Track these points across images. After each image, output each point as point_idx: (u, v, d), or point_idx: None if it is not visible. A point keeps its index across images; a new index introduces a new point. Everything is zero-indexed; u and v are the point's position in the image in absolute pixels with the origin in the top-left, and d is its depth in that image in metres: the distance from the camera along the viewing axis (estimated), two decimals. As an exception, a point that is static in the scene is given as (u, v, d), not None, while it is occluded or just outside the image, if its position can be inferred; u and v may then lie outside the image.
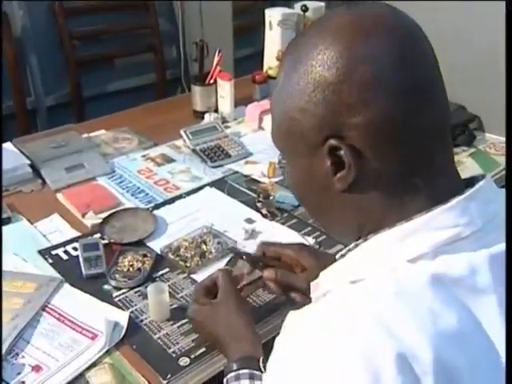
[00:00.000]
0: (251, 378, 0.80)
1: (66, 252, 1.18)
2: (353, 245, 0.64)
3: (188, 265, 1.13)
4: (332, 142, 0.57)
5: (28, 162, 1.47)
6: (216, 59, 1.79)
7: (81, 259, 1.13)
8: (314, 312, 0.58)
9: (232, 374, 0.81)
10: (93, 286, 1.08)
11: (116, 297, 1.06)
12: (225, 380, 0.83)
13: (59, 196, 1.38)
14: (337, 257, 0.68)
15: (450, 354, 0.51)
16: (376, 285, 0.56)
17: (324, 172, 0.60)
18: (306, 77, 0.58)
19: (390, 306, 0.53)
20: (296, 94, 0.59)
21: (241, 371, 0.81)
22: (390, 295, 0.54)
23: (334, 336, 0.53)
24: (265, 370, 0.80)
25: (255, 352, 0.85)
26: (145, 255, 1.16)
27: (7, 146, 1.55)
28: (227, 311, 0.91)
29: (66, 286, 1.08)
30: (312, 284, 0.73)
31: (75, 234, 1.25)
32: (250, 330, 0.89)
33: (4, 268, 1.11)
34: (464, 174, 0.64)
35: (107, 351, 0.93)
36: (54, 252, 1.18)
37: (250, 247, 1.18)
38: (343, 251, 0.66)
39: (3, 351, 0.91)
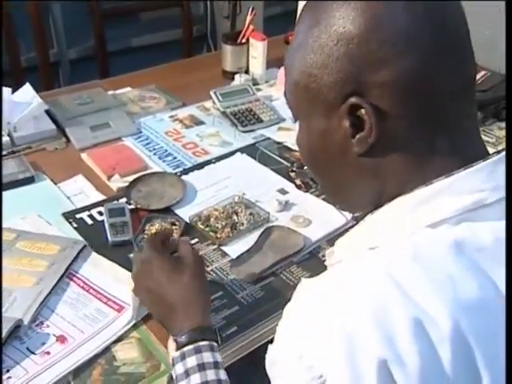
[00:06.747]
0: (212, 349, 0.75)
1: (90, 216, 1.13)
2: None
3: (218, 236, 1.07)
4: (353, 100, 0.54)
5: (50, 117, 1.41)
6: (249, 17, 1.70)
7: (106, 225, 1.08)
8: (326, 276, 0.56)
9: (191, 347, 0.74)
10: (118, 253, 1.03)
11: (143, 266, 1.01)
12: (177, 353, 0.74)
13: (84, 156, 1.33)
14: None
15: (469, 322, 0.49)
16: (393, 249, 0.54)
17: (342, 134, 0.56)
18: (328, 30, 0.54)
19: (407, 270, 0.51)
20: (316, 48, 0.55)
21: (201, 343, 0.74)
22: (408, 259, 0.52)
23: (345, 295, 0.51)
24: (221, 340, 0.79)
25: (207, 321, 0.80)
26: (173, 223, 1.10)
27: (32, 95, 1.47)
28: (192, 275, 0.82)
29: (91, 253, 1.03)
30: (327, 252, 0.71)
31: (100, 196, 1.20)
32: (206, 298, 0.84)
33: (27, 230, 1.07)
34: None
35: (134, 325, 0.89)
36: (78, 216, 1.13)
37: (283, 220, 1.13)
38: None
39: (28, 319, 0.88)
